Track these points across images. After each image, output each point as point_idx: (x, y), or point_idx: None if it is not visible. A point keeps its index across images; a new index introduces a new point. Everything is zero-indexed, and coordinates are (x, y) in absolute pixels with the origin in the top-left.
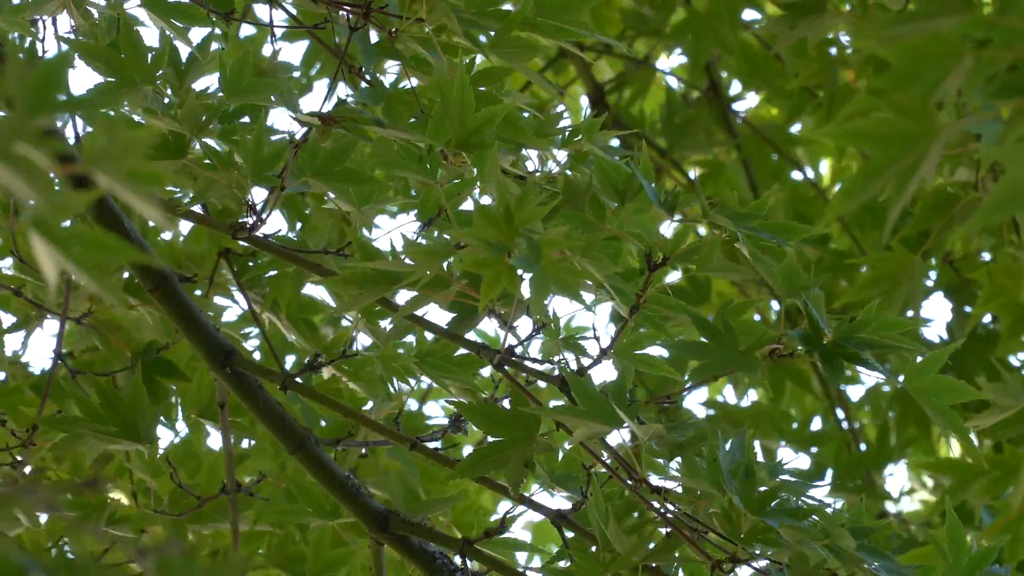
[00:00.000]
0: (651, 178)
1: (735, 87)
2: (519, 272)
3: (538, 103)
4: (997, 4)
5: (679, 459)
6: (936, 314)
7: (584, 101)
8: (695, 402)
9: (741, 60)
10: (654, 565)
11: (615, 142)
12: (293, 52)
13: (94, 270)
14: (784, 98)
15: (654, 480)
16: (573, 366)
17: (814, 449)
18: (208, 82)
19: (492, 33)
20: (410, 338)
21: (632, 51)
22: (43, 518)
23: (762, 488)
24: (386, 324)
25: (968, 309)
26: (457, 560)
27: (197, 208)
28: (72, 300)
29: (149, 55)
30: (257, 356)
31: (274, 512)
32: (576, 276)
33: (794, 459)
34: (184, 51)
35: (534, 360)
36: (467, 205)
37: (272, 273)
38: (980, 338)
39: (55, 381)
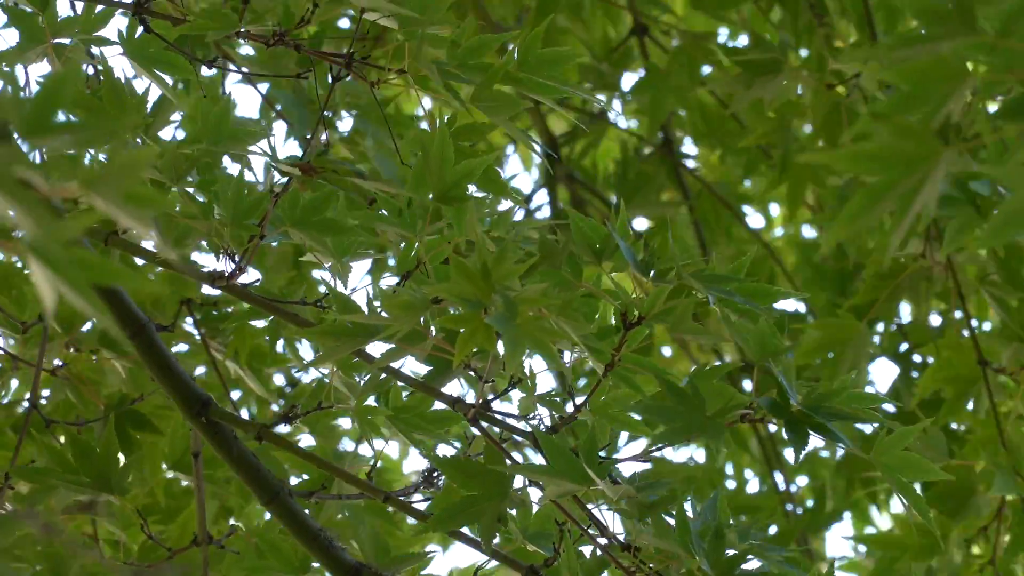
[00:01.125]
0: (628, 238)
1: (688, 144)
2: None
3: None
4: (999, 27)
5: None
6: (878, 378)
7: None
8: (630, 455)
9: (698, 117)
10: None
11: (564, 194)
12: (247, 109)
13: (91, 295)
14: (738, 155)
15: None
16: (548, 422)
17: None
18: (174, 129)
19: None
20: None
21: (587, 105)
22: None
23: (731, 551)
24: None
25: (915, 374)
26: None
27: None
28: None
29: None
30: None
31: (243, 568)
32: (551, 335)
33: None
34: (164, 100)
35: (508, 416)
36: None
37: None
38: (921, 403)
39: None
